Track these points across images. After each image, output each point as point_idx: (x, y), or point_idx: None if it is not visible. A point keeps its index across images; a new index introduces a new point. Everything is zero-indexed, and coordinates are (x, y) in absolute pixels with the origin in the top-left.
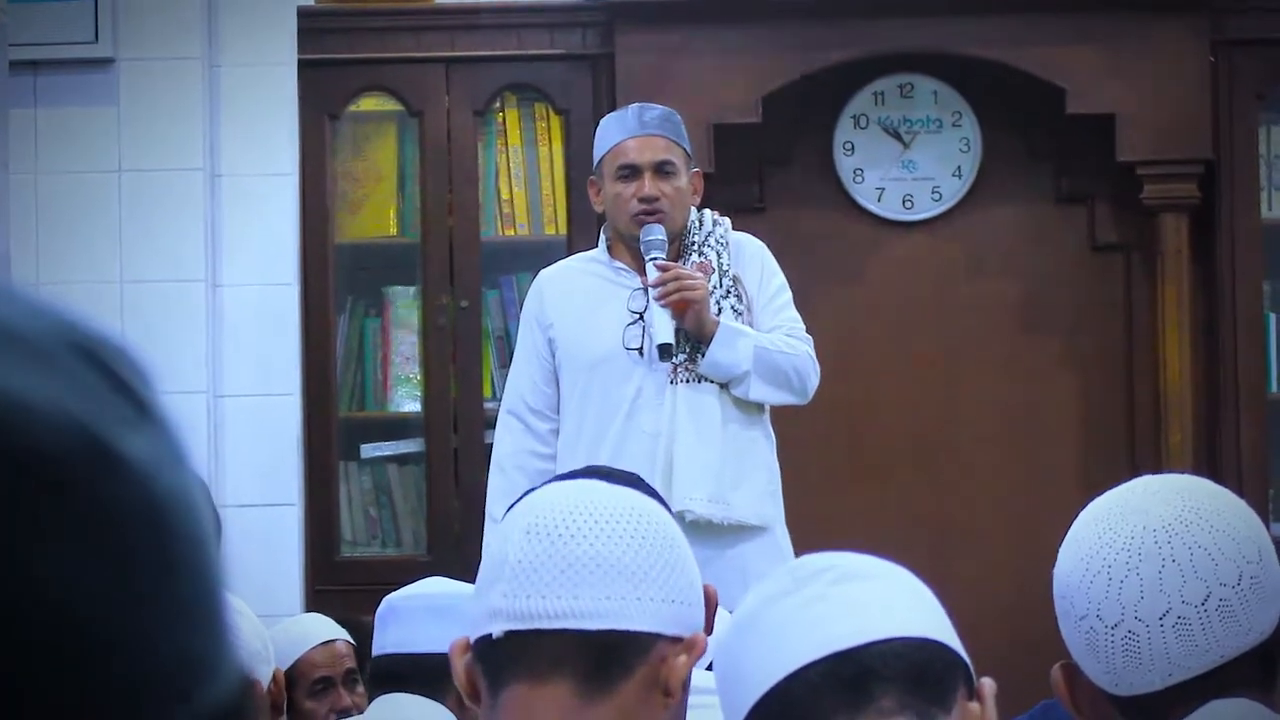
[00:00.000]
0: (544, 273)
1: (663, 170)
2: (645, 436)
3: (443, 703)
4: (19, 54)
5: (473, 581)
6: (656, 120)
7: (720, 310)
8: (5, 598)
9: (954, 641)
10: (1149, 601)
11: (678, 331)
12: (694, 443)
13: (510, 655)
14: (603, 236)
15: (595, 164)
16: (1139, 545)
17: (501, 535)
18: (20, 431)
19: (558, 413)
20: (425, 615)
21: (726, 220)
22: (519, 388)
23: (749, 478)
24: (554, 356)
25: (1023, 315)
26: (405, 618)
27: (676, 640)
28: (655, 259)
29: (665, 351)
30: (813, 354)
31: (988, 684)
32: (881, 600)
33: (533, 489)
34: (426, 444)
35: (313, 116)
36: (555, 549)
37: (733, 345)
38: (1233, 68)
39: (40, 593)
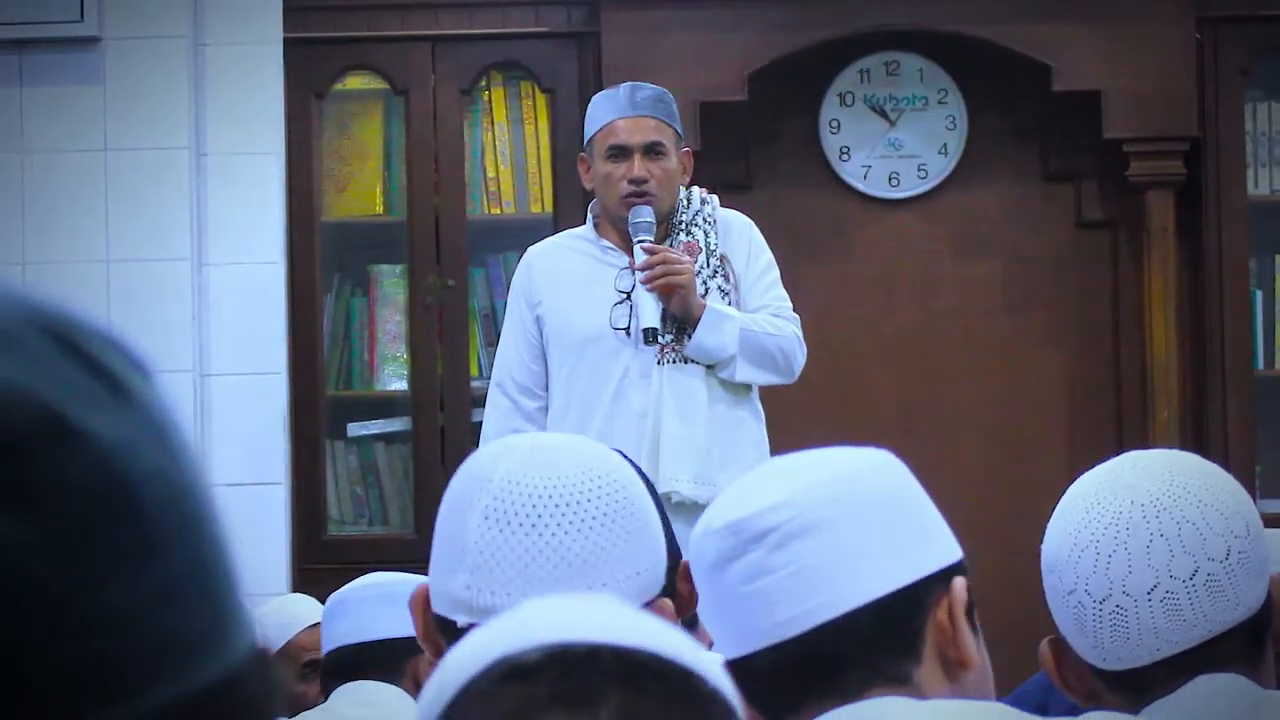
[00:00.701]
0: (532, 250)
1: (653, 151)
2: (633, 416)
3: (399, 685)
4: (4, 33)
5: None
6: (648, 101)
7: (707, 290)
8: None
9: (924, 561)
10: (1136, 576)
11: (664, 313)
12: (680, 423)
13: None
14: (590, 214)
15: (585, 141)
16: (1127, 520)
17: (459, 510)
18: None
19: (545, 390)
20: (376, 603)
21: (714, 198)
22: (507, 363)
23: (737, 457)
24: (542, 334)
25: (1009, 293)
26: (355, 608)
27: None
28: (642, 242)
29: (650, 335)
30: (799, 333)
31: (958, 592)
32: (833, 562)
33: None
34: (413, 423)
35: (298, 95)
36: (516, 540)
37: (719, 329)
38: (1218, 44)
39: None
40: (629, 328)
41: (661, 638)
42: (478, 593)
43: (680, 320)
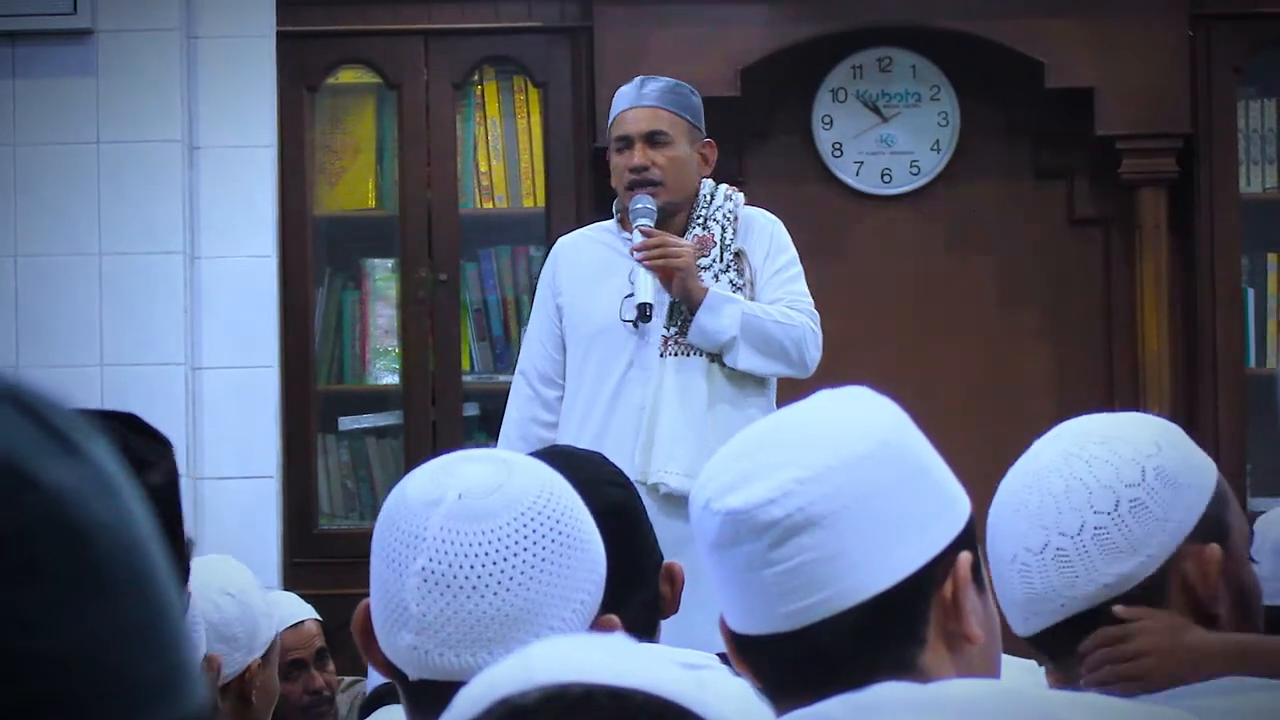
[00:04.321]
0: (561, 240)
1: (654, 140)
2: (632, 409)
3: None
4: None
5: None
6: (656, 91)
7: (717, 283)
8: None
9: (928, 543)
10: (1004, 545)
11: (673, 304)
12: (676, 416)
13: (427, 699)
14: (615, 207)
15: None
16: (1011, 487)
17: (394, 564)
18: None
19: (565, 379)
20: None
21: (739, 196)
22: (531, 351)
23: None
24: (561, 323)
25: (1001, 289)
26: None
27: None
28: (642, 225)
29: (644, 312)
30: (814, 327)
31: (962, 570)
32: (835, 558)
33: (406, 494)
34: (405, 416)
35: (291, 89)
36: (458, 604)
37: (719, 311)
38: (1211, 42)
39: None
40: (637, 320)
41: (662, 678)
42: (425, 654)
43: (684, 305)
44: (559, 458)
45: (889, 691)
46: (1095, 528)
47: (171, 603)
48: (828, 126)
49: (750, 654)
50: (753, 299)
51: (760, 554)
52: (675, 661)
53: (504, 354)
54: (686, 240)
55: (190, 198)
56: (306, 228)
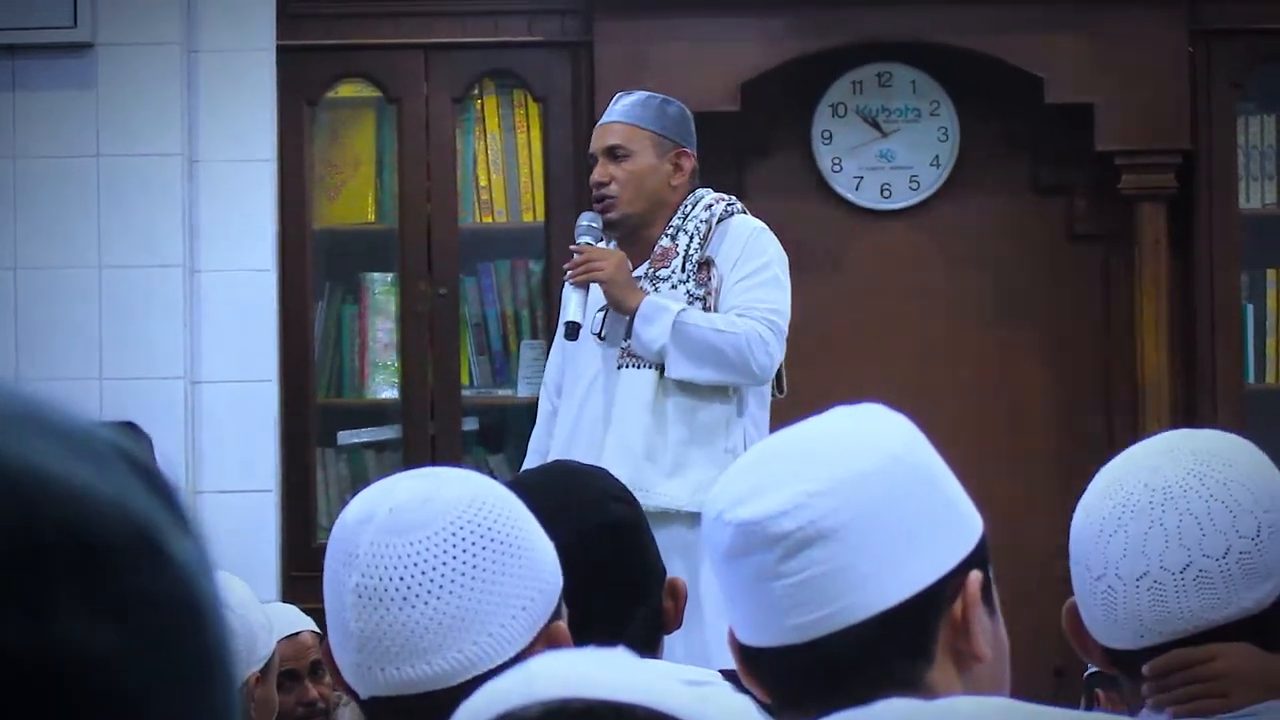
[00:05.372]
0: None
1: (613, 155)
2: (589, 421)
3: None
4: None
5: None
6: (624, 106)
7: (674, 292)
8: (54, 669)
9: (940, 560)
10: (1130, 560)
11: (628, 322)
12: (620, 428)
13: (380, 715)
14: None
15: None
16: (1134, 502)
17: (334, 586)
18: (86, 521)
19: None
20: None
21: (720, 206)
22: (549, 363)
23: (699, 463)
24: None
25: (1000, 305)
26: None
27: (537, 640)
28: (583, 243)
29: (569, 329)
30: (765, 333)
31: (971, 589)
32: (846, 570)
33: (347, 513)
34: (404, 431)
35: (291, 102)
36: (392, 616)
37: (653, 320)
38: (1211, 57)
39: (88, 670)
40: (602, 332)
41: (664, 694)
42: (368, 670)
43: (619, 313)
44: (562, 473)
45: (893, 708)
46: (1240, 552)
47: (234, 674)
48: (827, 141)
49: (758, 666)
50: (714, 308)
51: (770, 566)
52: (678, 677)
53: (503, 368)
54: (646, 252)
55: (189, 211)
56: (306, 241)
